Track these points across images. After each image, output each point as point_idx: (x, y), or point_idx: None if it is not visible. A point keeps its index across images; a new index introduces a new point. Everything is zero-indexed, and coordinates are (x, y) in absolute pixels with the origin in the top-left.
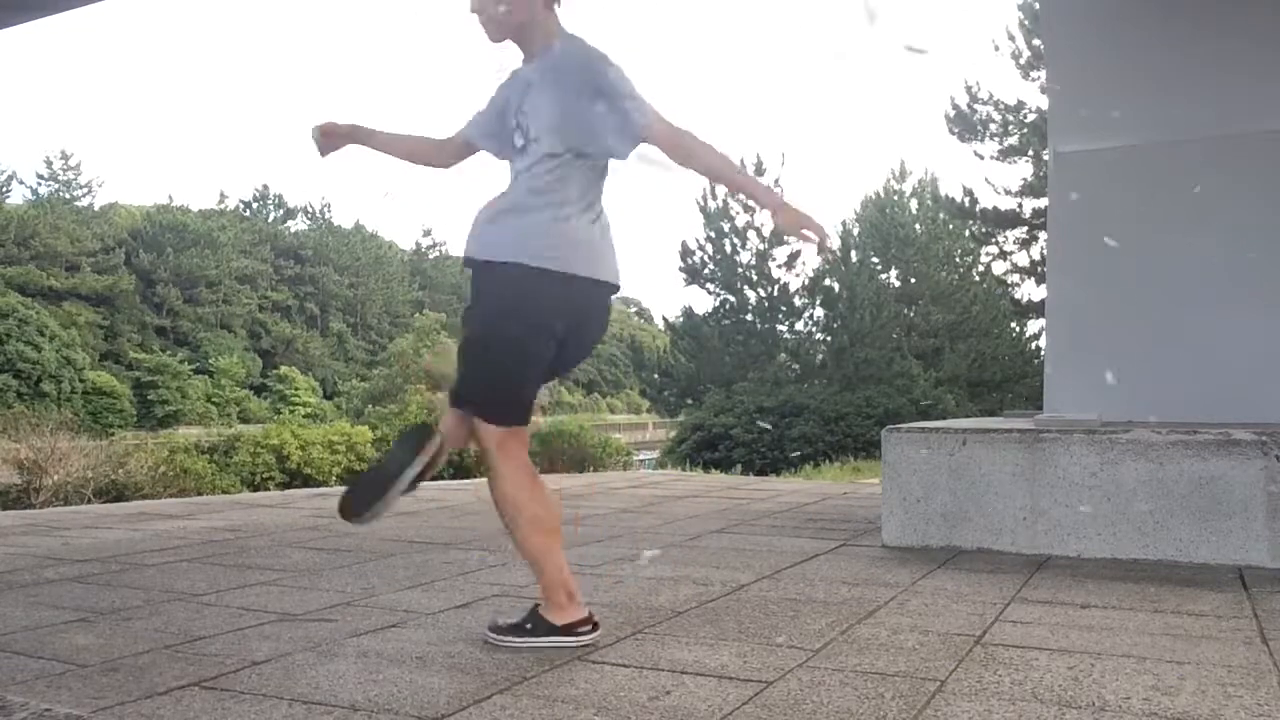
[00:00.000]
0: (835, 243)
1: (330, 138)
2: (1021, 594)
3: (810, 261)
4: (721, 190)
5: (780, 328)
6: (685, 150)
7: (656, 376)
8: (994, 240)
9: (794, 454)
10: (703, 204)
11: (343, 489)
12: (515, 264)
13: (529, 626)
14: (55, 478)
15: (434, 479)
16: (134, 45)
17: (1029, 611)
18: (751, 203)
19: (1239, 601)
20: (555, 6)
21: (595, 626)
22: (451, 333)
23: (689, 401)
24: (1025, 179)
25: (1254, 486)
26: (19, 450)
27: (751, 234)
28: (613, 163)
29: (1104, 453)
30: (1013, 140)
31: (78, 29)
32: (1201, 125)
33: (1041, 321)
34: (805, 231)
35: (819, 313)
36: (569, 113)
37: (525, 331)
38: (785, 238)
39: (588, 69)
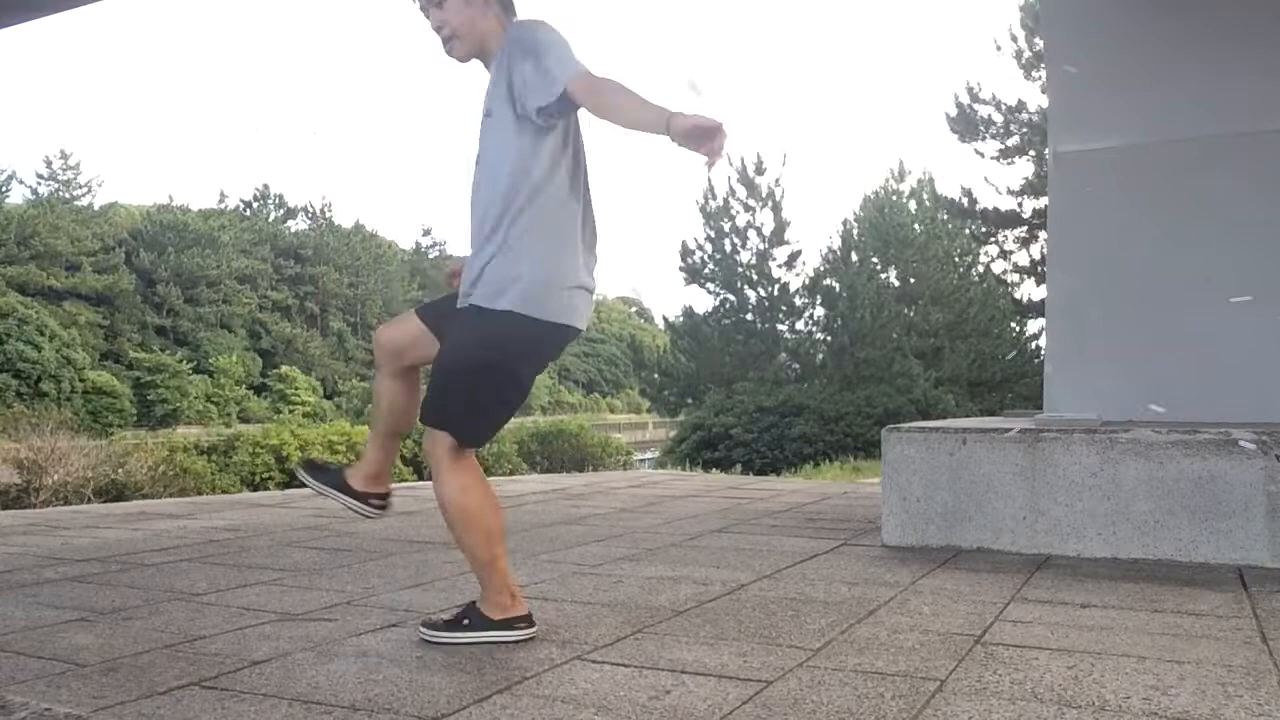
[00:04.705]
0: (724, 150)
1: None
2: (1021, 594)
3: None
4: (722, 190)
5: (780, 327)
6: (605, 104)
7: (656, 376)
8: (994, 240)
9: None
10: (703, 203)
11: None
12: None
13: (466, 622)
14: (55, 478)
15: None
16: (134, 44)
17: (1029, 611)
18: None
19: (1239, 601)
20: (510, 15)
21: (532, 624)
22: None
23: (689, 401)
24: (1025, 179)
25: (1254, 486)
26: (19, 450)
27: (752, 234)
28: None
29: (1104, 453)
30: (1013, 140)
31: (78, 29)
32: (1201, 125)
33: (1041, 321)
34: (702, 139)
35: (819, 312)
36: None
37: None
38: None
39: (521, 36)
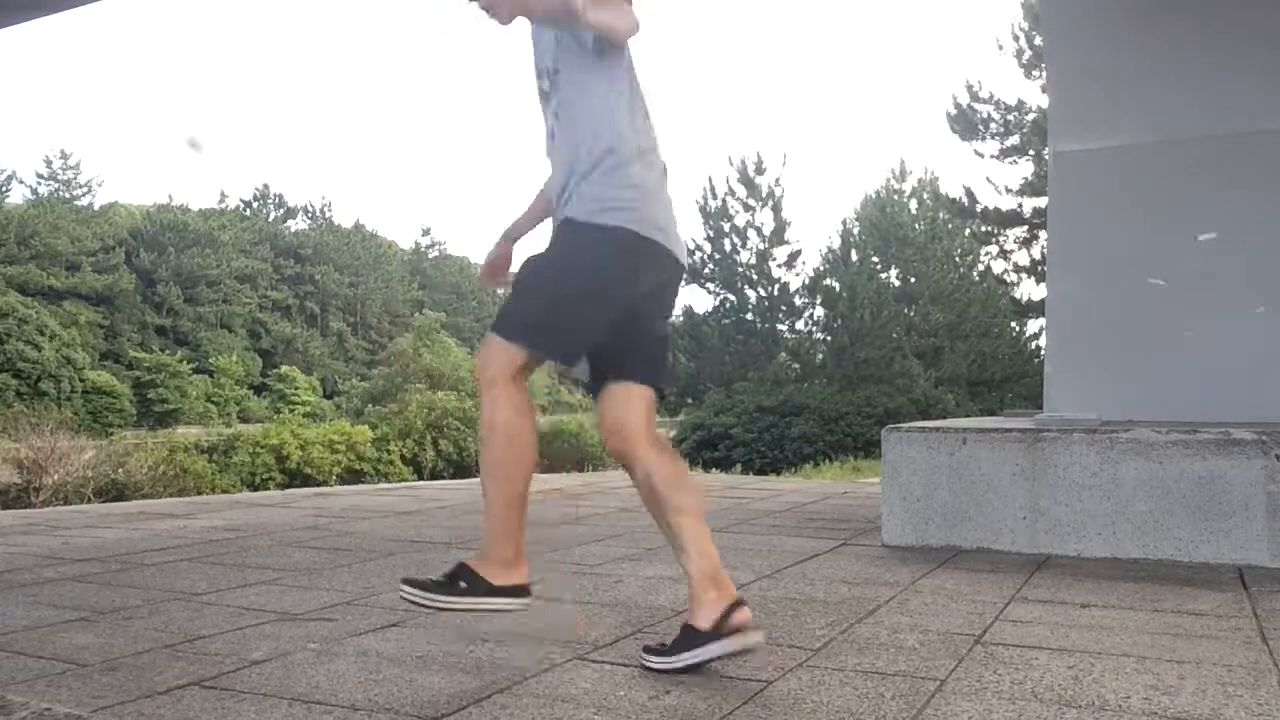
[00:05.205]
0: None
1: (499, 270)
2: (1021, 593)
3: None
4: (722, 189)
5: (780, 327)
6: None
7: None
8: (994, 240)
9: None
10: (702, 203)
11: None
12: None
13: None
14: (55, 477)
15: (433, 478)
16: (134, 45)
17: (1029, 611)
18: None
19: (1239, 601)
20: None
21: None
22: None
23: (689, 401)
24: (1025, 178)
25: (1254, 486)
26: (19, 450)
27: (752, 233)
28: None
29: (1104, 452)
30: (1013, 140)
31: (78, 29)
32: (1201, 125)
33: (1041, 321)
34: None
35: (819, 312)
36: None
37: None
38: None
39: None
